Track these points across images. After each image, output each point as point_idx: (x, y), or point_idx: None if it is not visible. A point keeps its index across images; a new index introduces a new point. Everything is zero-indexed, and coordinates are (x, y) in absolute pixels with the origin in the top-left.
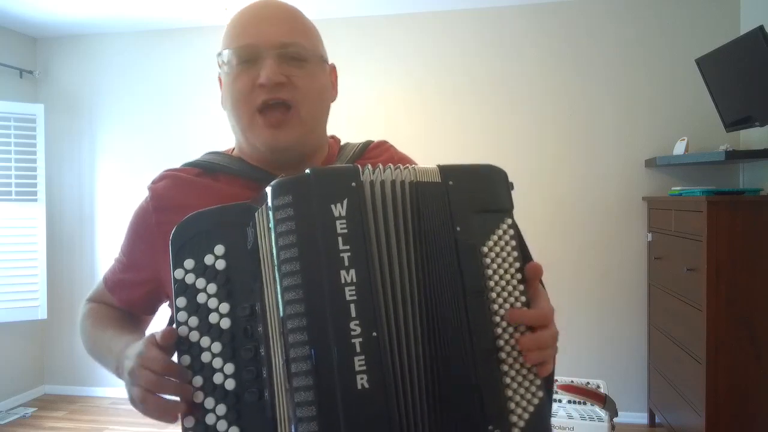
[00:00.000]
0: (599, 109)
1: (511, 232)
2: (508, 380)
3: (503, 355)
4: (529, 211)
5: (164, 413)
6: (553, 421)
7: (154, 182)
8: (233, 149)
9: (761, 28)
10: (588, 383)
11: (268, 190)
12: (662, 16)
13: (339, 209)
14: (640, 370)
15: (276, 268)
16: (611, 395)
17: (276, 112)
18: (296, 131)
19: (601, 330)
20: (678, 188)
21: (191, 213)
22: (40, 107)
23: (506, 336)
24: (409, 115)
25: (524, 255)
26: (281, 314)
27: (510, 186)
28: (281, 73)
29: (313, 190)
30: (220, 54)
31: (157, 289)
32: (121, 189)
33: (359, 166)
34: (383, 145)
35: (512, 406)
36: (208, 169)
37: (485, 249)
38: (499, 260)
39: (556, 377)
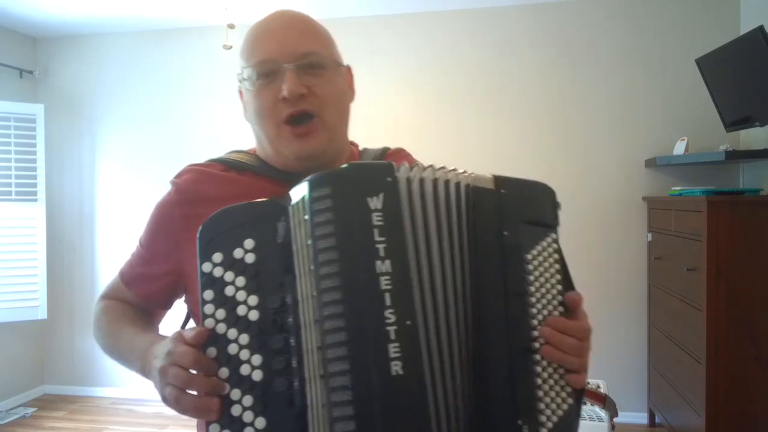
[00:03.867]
0: (599, 109)
1: (555, 246)
2: (539, 381)
3: (537, 357)
4: None
5: (202, 409)
6: None
7: (177, 177)
8: (254, 150)
9: (761, 28)
10: (588, 383)
11: (306, 183)
12: (662, 16)
13: (375, 202)
14: (640, 370)
15: (312, 258)
16: (611, 395)
17: (302, 122)
18: (322, 138)
19: (601, 330)
20: (678, 188)
21: (219, 208)
22: (40, 107)
23: (542, 340)
24: (407, 115)
25: (565, 272)
26: (318, 302)
27: (558, 205)
28: (302, 85)
29: (351, 184)
30: (240, 72)
31: (175, 283)
32: (121, 189)
33: (393, 163)
34: (401, 151)
35: (542, 406)
36: (233, 166)
37: (529, 256)
38: (541, 269)
39: None
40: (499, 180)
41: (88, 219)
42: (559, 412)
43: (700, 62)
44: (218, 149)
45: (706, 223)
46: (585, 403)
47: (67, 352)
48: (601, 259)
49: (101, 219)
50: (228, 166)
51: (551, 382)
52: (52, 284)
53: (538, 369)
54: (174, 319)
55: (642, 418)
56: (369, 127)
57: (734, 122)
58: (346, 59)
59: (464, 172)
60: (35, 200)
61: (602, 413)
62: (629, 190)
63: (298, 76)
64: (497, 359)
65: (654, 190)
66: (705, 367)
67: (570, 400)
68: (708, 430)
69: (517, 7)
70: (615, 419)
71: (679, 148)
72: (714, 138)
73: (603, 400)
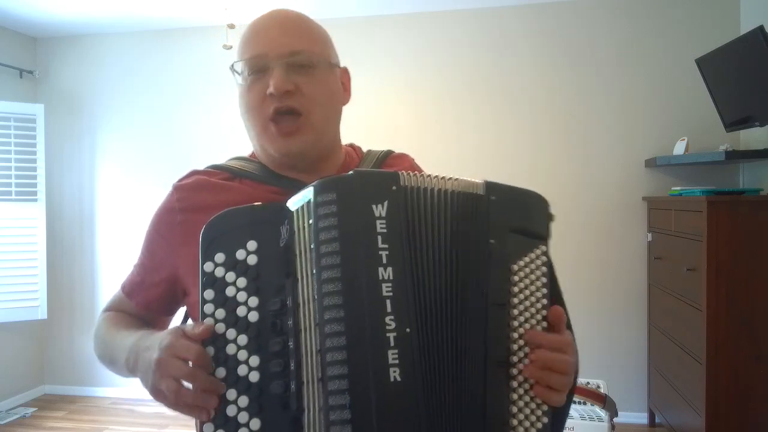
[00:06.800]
0: (599, 109)
1: (544, 258)
2: (514, 397)
3: (514, 371)
4: None
5: (200, 406)
6: None
7: (180, 180)
8: (254, 154)
9: (761, 28)
10: (588, 383)
11: (311, 188)
12: (662, 16)
13: (380, 210)
14: (640, 370)
15: (315, 262)
16: (611, 395)
17: (287, 120)
18: (308, 137)
19: (601, 330)
20: (678, 188)
21: (223, 210)
22: (40, 107)
23: (521, 354)
24: (407, 115)
25: (553, 285)
26: (319, 306)
27: (550, 216)
28: (289, 82)
29: (356, 190)
30: (232, 66)
31: (173, 288)
32: (121, 189)
33: (399, 172)
34: (404, 156)
35: (514, 422)
36: (234, 173)
37: (515, 267)
38: (527, 281)
39: None
40: (489, 186)
41: (88, 219)
42: (533, 431)
43: (700, 62)
44: (218, 148)
45: (706, 223)
46: (584, 403)
47: (67, 352)
48: (601, 259)
49: (101, 219)
50: (230, 173)
51: (527, 398)
52: (52, 284)
53: (514, 384)
54: (174, 324)
55: (642, 418)
56: (368, 127)
57: (734, 122)
58: (346, 59)
59: (456, 178)
60: (35, 200)
61: (602, 413)
62: (629, 190)
63: (287, 73)
64: (470, 372)
65: (654, 190)
66: (705, 367)
67: (545, 419)
68: (708, 430)
69: (517, 7)
70: (615, 419)
71: (679, 148)
72: (714, 138)
73: (603, 400)
